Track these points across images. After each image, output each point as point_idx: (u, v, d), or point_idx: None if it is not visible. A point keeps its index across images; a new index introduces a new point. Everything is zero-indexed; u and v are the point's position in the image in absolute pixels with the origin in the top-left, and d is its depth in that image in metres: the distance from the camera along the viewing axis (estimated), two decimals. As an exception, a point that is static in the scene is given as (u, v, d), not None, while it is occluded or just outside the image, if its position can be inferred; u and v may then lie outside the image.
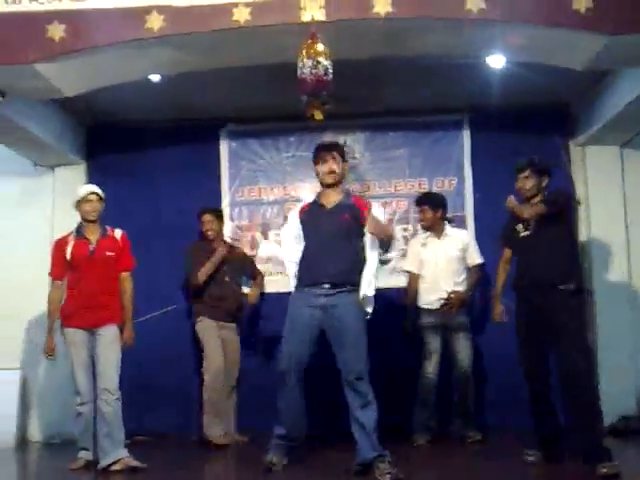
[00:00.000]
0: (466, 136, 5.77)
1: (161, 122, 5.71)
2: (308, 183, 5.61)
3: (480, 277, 5.16)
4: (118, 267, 4.39)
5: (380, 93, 5.33)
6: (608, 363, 5.30)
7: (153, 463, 4.29)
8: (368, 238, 3.87)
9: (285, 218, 5.03)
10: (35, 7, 3.81)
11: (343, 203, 3.98)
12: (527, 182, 4.05)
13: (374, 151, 5.83)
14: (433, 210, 5.08)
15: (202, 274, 5.00)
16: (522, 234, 4.07)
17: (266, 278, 5.59)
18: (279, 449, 3.97)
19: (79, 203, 4.38)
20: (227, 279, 5.13)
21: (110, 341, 4.30)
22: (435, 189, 5.67)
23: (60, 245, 4.38)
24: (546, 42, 3.93)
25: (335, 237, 3.88)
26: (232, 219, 5.81)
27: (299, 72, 3.69)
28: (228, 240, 5.51)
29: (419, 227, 5.42)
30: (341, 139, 5.78)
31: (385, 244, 3.84)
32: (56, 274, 4.38)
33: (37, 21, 3.80)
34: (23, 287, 5.55)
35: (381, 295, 5.36)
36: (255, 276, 5.42)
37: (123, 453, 4.20)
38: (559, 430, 4.05)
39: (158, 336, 5.40)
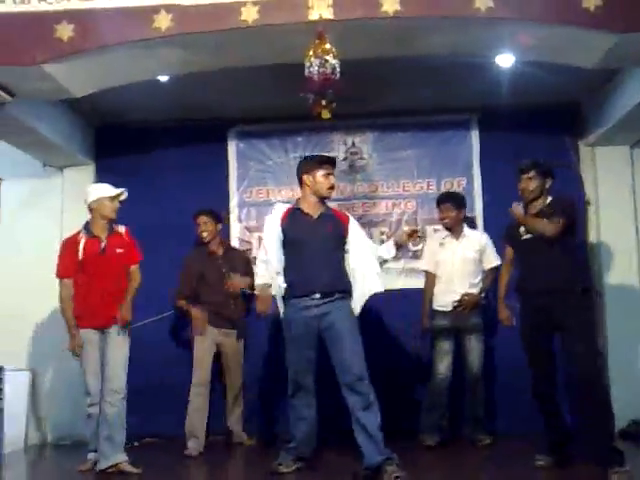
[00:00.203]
0: (475, 136, 5.75)
1: (169, 123, 5.72)
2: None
3: (494, 279, 5.14)
4: (127, 262, 4.39)
5: (388, 93, 5.31)
6: (618, 366, 5.26)
7: (155, 466, 4.34)
8: (364, 245, 4.02)
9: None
10: (44, 7, 3.82)
11: (325, 214, 4.06)
12: (531, 183, 4.00)
13: (382, 151, 5.80)
14: (456, 209, 5.04)
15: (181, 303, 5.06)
16: (525, 237, 4.01)
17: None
18: (289, 456, 4.02)
19: (105, 200, 4.32)
20: (228, 293, 5.01)
21: (120, 341, 4.29)
22: (443, 189, 5.63)
23: (71, 244, 4.34)
24: (555, 41, 3.91)
25: (323, 247, 3.95)
26: (240, 220, 5.80)
27: (306, 71, 3.70)
28: (231, 241, 5.53)
29: (430, 227, 5.45)
30: (349, 139, 5.81)
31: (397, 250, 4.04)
32: (65, 273, 4.32)
33: (45, 21, 3.81)
34: (32, 288, 5.53)
35: (392, 296, 5.46)
36: (247, 273, 5.12)
37: (122, 457, 4.18)
38: (566, 432, 4.01)
39: (161, 338, 5.41)
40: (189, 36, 3.81)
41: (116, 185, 4.59)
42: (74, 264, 4.29)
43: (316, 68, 3.67)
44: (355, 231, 4.06)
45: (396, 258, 4.19)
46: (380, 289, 3.94)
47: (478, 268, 5.04)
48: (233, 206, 5.80)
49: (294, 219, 4.03)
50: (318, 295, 3.88)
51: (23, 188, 5.61)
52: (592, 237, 5.54)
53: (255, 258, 4.83)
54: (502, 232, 5.16)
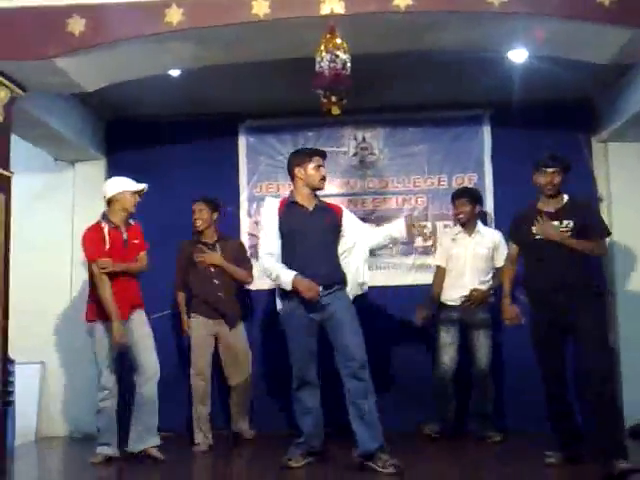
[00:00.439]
0: (487, 132, 5.71)
1: (180, 117, 5.71)
2: (327, 179, 5.57)
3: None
4: (139, 251, 4.50)
5: (399, 88, 5.28)
6: (630, 364, 5.22)
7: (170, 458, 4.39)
8: (359, 231, 4.12)
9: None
10: (55, 1, 3.81)
11: (320, 206, 4.14)
12: (555, 178, 3.98)
13: (393, 147, 5.78)
14: (471, 204, 5.05)
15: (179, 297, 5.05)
16: (538, 236, 3.97)
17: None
18: (298, 450, 4.06)
19: (127, 194, 4.40)
20: (216, 281, 4.93)
21: (145, 328, 4.40)
22: (455, 185, 5.62)
23: (96, 230, 4.39)
24: (569, 36, 3.87)
25: (321, 239, 4.03)
26: (250, 215, 5.80)
27: (317, 66, 3.69)
28: (241, 236, 5.53)
29: (441, 223, 5.44)
30: (360, 134, 5.79)
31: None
32: (98, 254, 4.32)
33: (57, 15, 3.80)
34: (43, 282, 5.57)
35: (402, 291, 5.47)
36: (240, 263, 5.06)
37: (154, 441, 4.34)
38: (578, 431, 4.00)
39: (166, 334, 5.40)
40: (200, 30, 3.80)
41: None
42: (103, 249, 4.33)
43: (327, 63, 3.65)
44: (349, 220, 4.17)
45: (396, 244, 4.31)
46: (367, 281, 4.13)
47: (489, 265, 5.04)
48: (243, 200, 5.80)
49: (290, 212, 4.07)
50: (320, 287, 3.92)
51: (34, 182, 5.63)
52: (604, 234, 5.49)
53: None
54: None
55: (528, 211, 4.09)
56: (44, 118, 4.82)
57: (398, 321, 5.44)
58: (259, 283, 5.21)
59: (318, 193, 4.23)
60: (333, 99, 3.77)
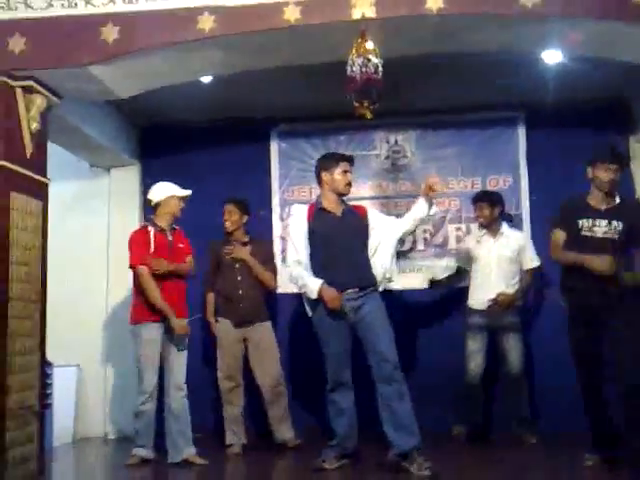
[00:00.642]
0: (522, 134, 5.65)
1: (212, 123, 5.75)
2: (358, 182, 5.59)
3: (534, 280, 5.08)
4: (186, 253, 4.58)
5: (431, 90, 5.25)
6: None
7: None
8: (385, 227, 4.14)
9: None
10: (90, 10, 3.86)
11: (347, 210, 4.17)
12: (618, 175, 3.87)
13: (426, 149, 5.75)
14: (491, 207, 5.03)
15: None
16: (585, 233, 3.86)
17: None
18: (332, 453, 4.07)
19: (175, 199, 4.51)
20: (239, 278, 4.90)
21: (183, 336, 4.43)
22: (489, 188, 5.57)
23: (142, 234, 4.51)
24: (602, 36, 3.80)
25: (352, 243, 4.06)
26: (282, 219, 5.81)
27: (348, 70, 3.69)
28: (273, 240, 5.54)
29: (474, 225, 5.39)
30: (392, 137, 5.77)
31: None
32: (141, 260, 4.40)
33: (91, 24, 3.86)
34: (80, 287, 5.66)
35: (435, 294, 5.43)
36: (267, 265, 5.00)
37: (192, 450, 4.41)
38: (615, 433, 3.89)
39: (196, 335, 5.40)
40: (232, 37, 3.82)
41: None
42: (147, 253, 4.41)
43: (358, 68, 3.65)
44: (374, 218, 4.20)
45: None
46: (394, 275, 4.16)
47: (516, 268, 4.99)
48: (275, 205, 5.82)
49: (319, 219, 4.10)
50: (354, 289, 3.97)
51: (70, 189, 5.72)
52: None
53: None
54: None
55: (578, 203, 3.95)
56: (79, 125, 4.89)
57: (430, 323, 5.41)
58: (286, 286, 5.16)
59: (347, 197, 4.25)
60: (365, 103, 3.77)
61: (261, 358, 4.87)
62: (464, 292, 5.17)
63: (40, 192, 4.09)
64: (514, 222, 5.45)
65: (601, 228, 3.86)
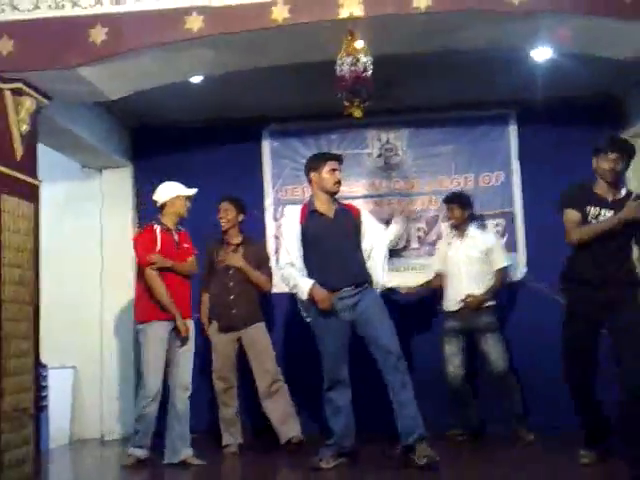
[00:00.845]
0: (513, 131, 5.66)
1: (204, 123, 5.75)
2: (351, 181, 5.60)
3: (504, 281, 5.10)
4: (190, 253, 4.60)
5: (422, 88, 5.25)
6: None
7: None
8: (376, 233, 4.21)
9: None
10: (78, 11, 3.84)
11: (340, 210, 4.19)
12: (618, 164, 3.78)
13: (418, 147, 5.75)
14: (462, 209, 5.06)
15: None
16: (593, 221, 3.77)
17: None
18: (328, 452, 4.08)
19: (181, 199, 4.52)
20: (231, 284, 4.86)
21: (190, 342, 4.46)
22: (482, 185, 5.61)
23: (148, 233, 4.50)
24: (591, 32, 3.80)
25: (345, 244, 4.10)
26: (275, 219, 5.81)
27: (338, 69, 3.69)
28: (267, 240, 5.54)
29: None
30: (384, 136, 5.77)
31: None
32: (150, 260, 4.39)
33: (80, 25, 3.84)
34: (74, 288, 5.66)
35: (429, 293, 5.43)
36: (260, 268, 4.95)
37: (190, 451, 4.41)
38: (606, 427, 3.89)
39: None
40: (221, 37, 3.80)
41: (153, 186, 4.70)
42: (152, 251, 4.41)
43: (347, 67, 3.65)
44: (367, 222, 4.24)
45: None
46: (385, 283, 4.21)
47: (485, 269, 5.01)
48: (268, 205, 5.82)
49: (312, 220, 4.13)
50: (349, 287, 4.02)
51: (62, 190, 5.71)
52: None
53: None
54: (542, 226, 5.13)
55: (586, 190, 3.85)
56: (70, 126, 4.88)
57: (422, 322, 5.43)
58: (280, 286, 5.04)
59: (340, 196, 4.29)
60: (355, 102, 3.77)
61: (257, 358, 4.85)
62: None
63: (31, 194, 4.08)
64: (507, 219, 5.50)
65: (607, 218, 3.77)
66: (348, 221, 4.17)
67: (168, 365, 4.44)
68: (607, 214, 3.76)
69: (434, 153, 5.73)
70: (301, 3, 3.71)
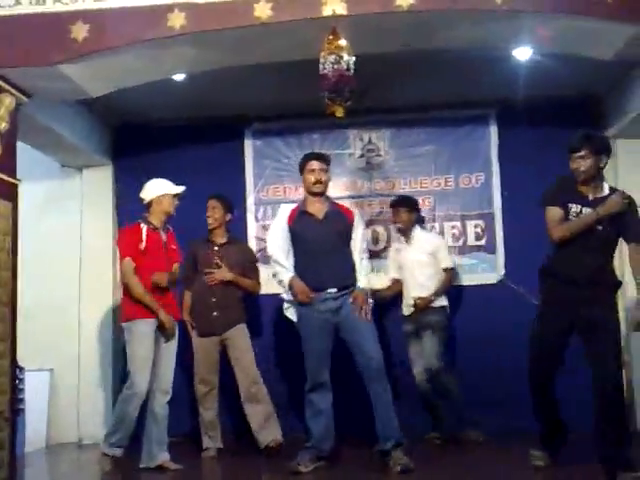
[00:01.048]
0: (493, 131, 5.70)
1: (186, 121, 5.73)
2: (333, 181, 5.56)
3: (451, 281, 5.12)
4: (175, 259, 4.51)
5: (404, 88, 5.27)
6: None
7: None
8: (358, 240, 4.19)
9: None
10: (59, 7, 3.81)
11: (331, 212, 4.17)
12: (582, 163, 3.60)
13: (399, 148, 5.77)
14: (409, 212, 5.09)
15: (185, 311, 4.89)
16: (574, 219, 3.68)
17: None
18: (307, 455, 4.05)
19: (169, 197, 4.43)
20: (213, 291, 4.78)
21: (173, 344, 4.41)
22: (462, 185, 5.64)
23: (133, 230, 4.40)
24: (573, 33, 3.84)
25: (332, 245, 4.10)
26: (257, 219, 5.79)
27: (321, 68, 3.70)
28: (248, 240, 5.51)
29: (447, 224, 5.52)
30: (366, 136, 5.78)
31: None
32: (128, 252, 4.34)
33: (61, 22, 3.81)
34: (51, 287, 5.59)
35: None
36: (245, 270, 4.91)
37: (166, 456, 4.35)
38: (562, 427, 3.88)
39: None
40: (203, 34, 3.79)
41: (133, 185, 4.66)
42: (136, 247, 4.33)
43: (330, 65, 3.65)
44: (357, 230, 4.22)
45: None
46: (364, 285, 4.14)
47: (433, 270, 5.03)
48: (250, 204, 5.80)
49: (300, 221, 4.15)
50: (334, 290, 4.03)
51: (41, 189, 5.64)
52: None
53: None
54: (522, 227, 5.17)
55: (569, 186, 3.72)
56: (50, 124, 4.83)
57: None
58: (267, 287, 5.09)
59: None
60: (337, 101, 3.77)
61: (237, 359, 4.80)
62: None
63: (10, 193, 4.02)
64: (487, 220, 5.54)
65: (587, 213, 3.66)
66: (338, 223, 4.15)
67: (153, 367, 4.36)
68: (588, 212, 3.68)
69: (416, 154, 5.74)
70: (284, 1, 3.71)
